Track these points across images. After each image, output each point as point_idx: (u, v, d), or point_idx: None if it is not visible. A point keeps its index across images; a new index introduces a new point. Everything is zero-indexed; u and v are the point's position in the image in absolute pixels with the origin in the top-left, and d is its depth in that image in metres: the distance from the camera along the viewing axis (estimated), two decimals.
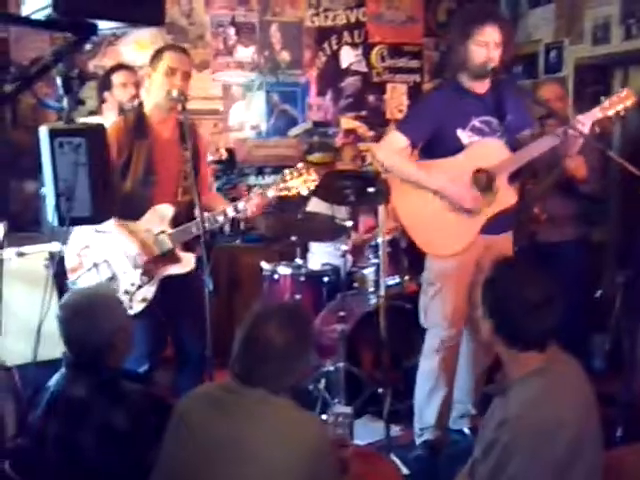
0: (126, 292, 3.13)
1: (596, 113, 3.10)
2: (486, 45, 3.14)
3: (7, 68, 2.06)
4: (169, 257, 3.18)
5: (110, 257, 3.16)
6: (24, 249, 3.23)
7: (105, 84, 4.08)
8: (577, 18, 4.95)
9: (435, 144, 3.29)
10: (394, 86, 6.02)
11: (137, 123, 3.18)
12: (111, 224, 3.07)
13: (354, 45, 5.92)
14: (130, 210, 3.12)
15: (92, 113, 4.15)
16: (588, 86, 4.92)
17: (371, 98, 6.00)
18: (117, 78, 4.04)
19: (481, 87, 3.28)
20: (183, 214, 3.20)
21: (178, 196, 3.22)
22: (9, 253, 3.09)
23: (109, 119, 3.58)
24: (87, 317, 2.25)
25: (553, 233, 3.81)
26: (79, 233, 3.16)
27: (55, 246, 3.13)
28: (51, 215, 2.08)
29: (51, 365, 2.37)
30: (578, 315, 3.71)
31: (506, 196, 3.26)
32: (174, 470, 1.93)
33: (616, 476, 2.18)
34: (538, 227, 3.83)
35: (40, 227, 4.32)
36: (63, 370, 2.29)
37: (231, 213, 3.20)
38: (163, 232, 3.17)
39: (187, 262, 3.18)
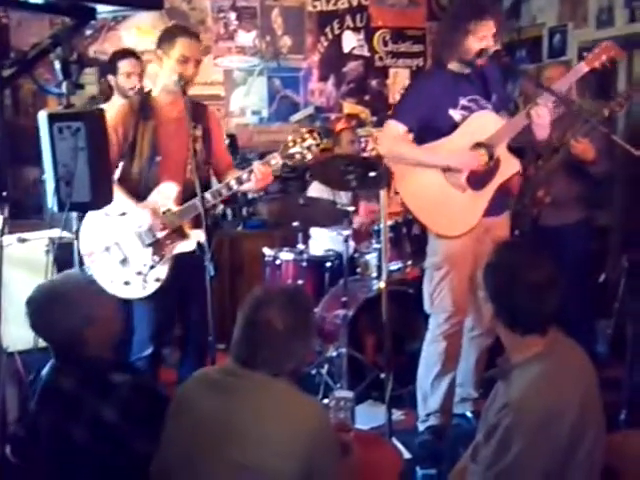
0: (139, 273, 3.16)
1: (582, 67, 3.18)
2: (484, 38, 3.16)
3: (7, 54, 2.05)
4: (177, 234, 3.19)
5: (121, 239, 3.18)
6: (25, 235, 3.23)
7: (111, 68, 4.06)
8: (581, 1, 4.91)
9: (429, 128, 3.30)
10: (397, 71, 5.99)
11: (142, 105, 3.21)
12: (122, 204, 3.11)
13: (356, 29, 5.88)
14: (138, 191, 3.17)
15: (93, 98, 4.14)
16: (592, 70, 4.88)
17: (374, 83, 5.97)
18: (123, 66, 4.01)
19: (464, 67, 3.30)
20: (190, 191, 3.12)
21: (187, 174, 3.20)
22: (10, 239, 3.09)
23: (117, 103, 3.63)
24: (51, 305, 2.19)
25: (557, 216, 3.79)
26: (90, 218, 3.18)
27: (56, 232, 3.12)
28: (51, 200, 2.08)
29: None
30: (581, 299, 3.71)
31: (509, 164, 3.28)
32: (176, 453, 1.93)
33: (619, 460, 2.18)
34: (541, 210, 3.81)
35: (41, 214, 4.33)
36: (52, 360, 2.25)
37: (235, 185, 3.16)
38: (169, 210, 3.18)
39: (196, 237, 3.16)
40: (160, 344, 3.32)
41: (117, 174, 3.19)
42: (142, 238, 3.17)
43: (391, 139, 3.31)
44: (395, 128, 3.28)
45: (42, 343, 2.36)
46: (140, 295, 3.18)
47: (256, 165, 3.17)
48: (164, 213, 3.18)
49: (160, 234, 3.16)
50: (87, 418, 2.10)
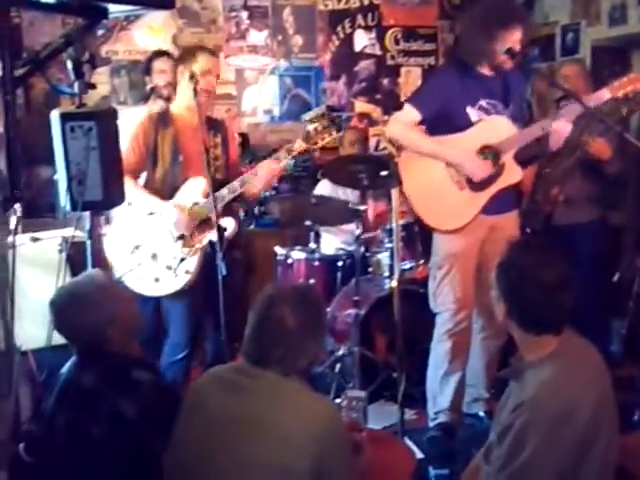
0: (169, 267, 3.23)
1: (605, 94, 3.14)
2: (511, 45, 3.15)
3: (19, 53, 2.05)
4: (206, 225, 3.26)
5: (151, 236, 3.26)
6: (38, 234, 3.25)
7: (146, 70, 4.34)
8: None
9: (444, 120, 3.28)
10: (408, 69, 5.98)
11: (161, 116, 3.37)
12: (149, 204, 3.25)
13: (368, 28, 5.87)
14: (163, 192, 3.29)
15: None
16: (605, 68, 4.84)
17: (385, 82, 5.96)
18: (157, 65, 4.28)
19: (489, 70, 3.29)
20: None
21: (210, 173, 3.26)
22: (23, 238, 3.10)
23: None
24: (75, 304, 2.22)
25: (570, 215, 3.78)
26: (118, 220, 3.29)
27: (69, 231, 3.14)
28: (63, 199, 2.08)
29: (66, 349, 2.37)
30: (595, 299, 3.68)
31: (512, 173, 3.28)
32: (188, 451, 1.94)
33: (632, 460, 2.17)
34: (555, 209, 3.79)
35: (54, 213, 4.35)
36: (74, 357, 2.29)
37: (248, 179, 3.29)
38: (197, 203, 3.28)
39: (227, 225, 3.19)
40: (194, 345, 3.39)
41: (141, 181, 3.36)
42: (172, 232, 3.26)
43: (403, 123, 3.31)
44: (411, 114, 3.28)
45: (56, 342, 2.38)
46: (171, 290, 3.23)
47: (266, 164, 3.33)
48: (193, 206, 3.27)
49: (187, 229, 3.25)
50: (106, 413, 2.11)
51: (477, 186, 3.27)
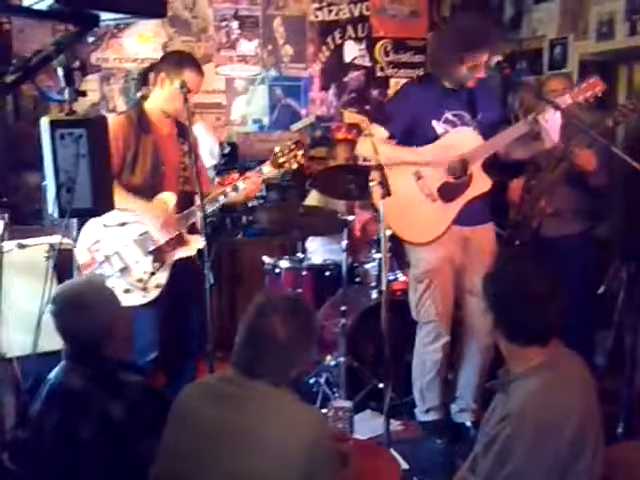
0: (140, 280, 3.23)
1: (566, 99, 3.22)
2: (475, 67, 3.26)
3: (9, 60, 2.05)
4: (177, 241, 3.28)
5: (121, 248, 3.25)
6: (25, 241, 3.23)
7: (143, 79, 4.51)
8: (582, 14, 4.91)
9: (412, 134, 3.39)
10: (398, 81, 5.99)
11: (139, 120, 3.30)
12: (121, 214, 3.20)
13: (358, 39, 5.90)
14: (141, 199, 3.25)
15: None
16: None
17: (375, 93, 5.98)
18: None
19: (454, 84, 3.39)
20: (181, 204, 3.31)
21: (179, 185, 3.35)
22: (10, 245, 3.09)
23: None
24: (79, 308, 2.26)
25: (557, 227, 3.79)
26: (88, 229, 3.26)
27: (56, 238, 3.13)
28: (52, 206, 2.07)
29: (51, 357, 2.37)
30: (581, 310, 3.70)
31: (480, 182, 3.37)
32: (175, 461, 1.92)
33: (616, 472, 2.17)
34: (541, 221, 3.81)
35: (42, 219, 4.33)
36: (63, 362, 2.29)
37: (231, 192, 3.31)
38: None
39: (195, 243, 3.28)
40: (162, 349, 3.34)
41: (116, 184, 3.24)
42: (144, 246, 3.25)
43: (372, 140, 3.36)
44: (378, 131, 3.36)
45: (41, 349, 2.37)
46: (141, 302, 3.22)
47: (250, 174, 3.36)
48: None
49: (162, 240, 3.24)
50: (95, 415, 2.13)
51: (448, 197, 3.35)
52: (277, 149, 3.38)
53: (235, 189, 3.30)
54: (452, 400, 3.69)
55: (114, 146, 3.15)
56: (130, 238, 3.25)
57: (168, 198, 3.28)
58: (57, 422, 2.16)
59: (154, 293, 3.23)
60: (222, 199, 3.30)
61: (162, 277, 3.24)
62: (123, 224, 3.25)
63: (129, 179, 3.25)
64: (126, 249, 3.25)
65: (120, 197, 3.01)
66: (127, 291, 3.21)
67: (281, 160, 3.36)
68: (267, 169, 3.36)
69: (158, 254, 3.25)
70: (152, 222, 3.23)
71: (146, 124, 3.30)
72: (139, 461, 2.04)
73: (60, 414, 2.16)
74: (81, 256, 3.23)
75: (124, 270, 3.23)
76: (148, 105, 3.35)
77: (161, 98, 3.30)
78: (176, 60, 3.30)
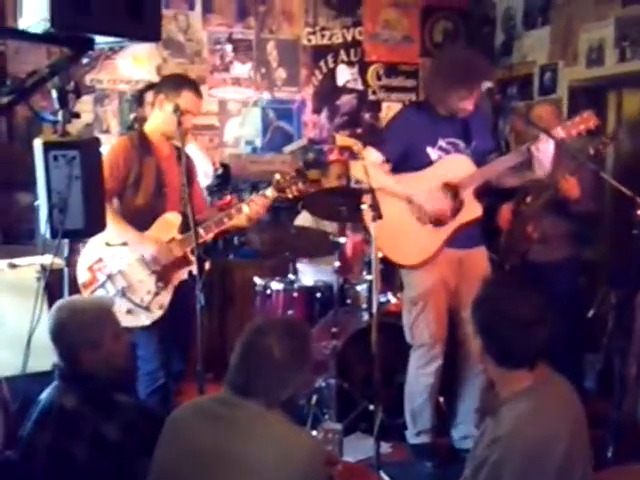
0: (142, 300, 3.19)
1: (558, 133, 3.28)
2: (468, 102, 3.32)
3: (4, 81, 2.06)
4: (181, 261, 3.26)
5: (124, 268, 3.22)
6: (16, 261, 3.23)
7: (139, 101, 4.57)
8: (571, 40, 4.98)
9: (406, 160, 3.43)
10: (390, 105, 6.05)
11: (140, 142, 3.31)
12: (124, 234, 3.18)
13: (350, 63, 5.95)
14: (143, 222, 3.25)
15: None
16: (582, 108, 4.91)
17: (367, 116, 6.03)
18: (149, 96, 4.40)
19: (448, 112, 3.43)
20: (184, 225, 3.28)
21: (181, 207, 3.30)
22: (1, 264, 3.09)
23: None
24: (77, 323, 2.25)
25: (545, 252, 3.81)
26: (90, 248, 3.24)
27: (47, 259, 3.13)
28: (44, 227, 2.08)
29: (41, 377, 2.36)
30: (570, 335, 3.71)
31: (471, 208, 3.41)
32: None
33: None
34: (530, 246, 3.84)
35: (33, 239, 4.32)
36: (55, 382, 2.27)
37: (236, 214, 3.30)
38: (173, 239, 3.26)
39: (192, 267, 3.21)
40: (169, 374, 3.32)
41: (116, 204, 3.26)
42: (148, 266, 3.21)
43: (366, 164, 3.38)
44: (372, 156, 3.41)
45: (31, 369, 2.36)
46: (143, 323, 3.19)
47: (255, 197, 3.34)
48: (169, 241, 3.25)
49: (166, 261, 3.22)
50: (89, 435, 2.11)
51: (438, 221, 3.38)
52: (278, 176, 3.36)
53: (239, 212, 3.29)
54: (453, 426, 3.70)
55: (116, 167, 3.20)
56: (133, 257, 3.22)
57: (173, 218, 3.29)
58: (50, 442, 2.14)
59: (157, 314, 3.19)
60: (227, 221, 3.29)
61: (165, 298, 3.22)
62: (125, 243, 3.22)
63: (132, 200, 3.25)
64: (129, 268, 3.22)
65: (113, 226, 2.96)
66: (129, 311, 3.17)
67: (283, 185, 3.35)
68: (270, 192, 3.34)
69: (162, 274, 3.22)
70: (146, 253, 3.21)
71: (147, 146, 3.31)
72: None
73: (53, 434, 2.15)
74: (81, 275, 3.21)
75: (127, 289, 3.19)
76: (148, 127, 3.37)
77: (160, 120, 3.31)
78: (175, 82, 3.32)
